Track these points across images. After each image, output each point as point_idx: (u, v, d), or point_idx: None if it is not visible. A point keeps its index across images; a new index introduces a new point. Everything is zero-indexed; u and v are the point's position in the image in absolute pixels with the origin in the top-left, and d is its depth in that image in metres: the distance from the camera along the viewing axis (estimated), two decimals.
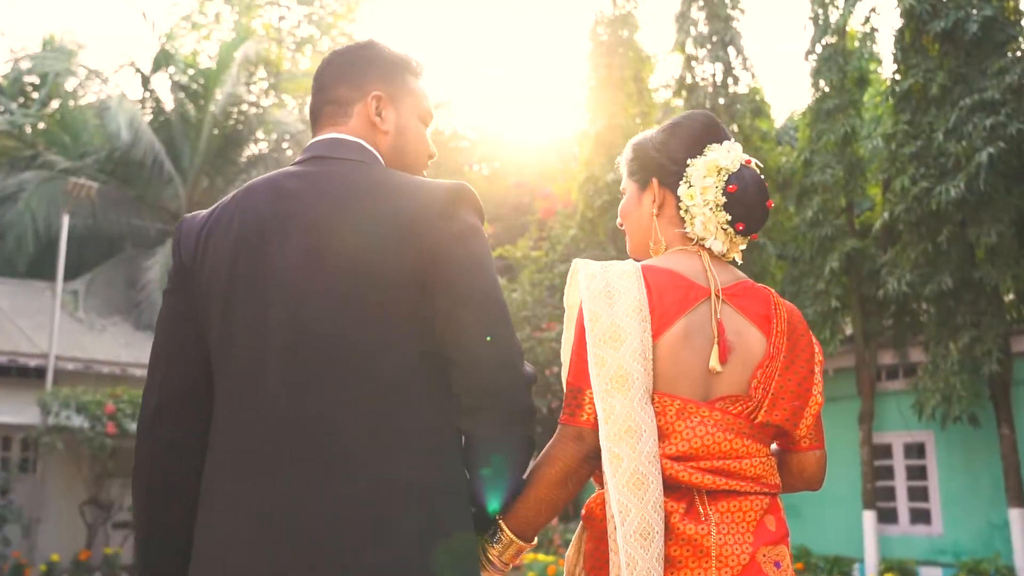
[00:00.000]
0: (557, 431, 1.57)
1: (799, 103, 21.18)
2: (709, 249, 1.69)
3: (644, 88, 12.67)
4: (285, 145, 19.02)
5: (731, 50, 11.40)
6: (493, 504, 1.57)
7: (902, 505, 10.33)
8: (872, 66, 10.57)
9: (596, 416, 1.52)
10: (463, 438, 1.52)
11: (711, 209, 1.66)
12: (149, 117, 18.27)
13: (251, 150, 17.96)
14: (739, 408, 1.58)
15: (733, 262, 1.76)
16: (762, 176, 1.72)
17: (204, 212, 1.63)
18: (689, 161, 1.70)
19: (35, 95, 19.70)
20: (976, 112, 8.57)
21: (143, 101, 18.59)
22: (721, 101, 11.24)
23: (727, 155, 1.69)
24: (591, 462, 1.55)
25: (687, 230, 1.70)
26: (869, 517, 9.91)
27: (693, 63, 11.42)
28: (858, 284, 10.20)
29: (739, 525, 1.53)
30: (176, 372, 1.57)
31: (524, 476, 1.57)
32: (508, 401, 1.46)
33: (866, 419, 10.14)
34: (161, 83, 20.56)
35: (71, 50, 19.26)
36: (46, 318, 13.55)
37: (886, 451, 10.57)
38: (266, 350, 1.46)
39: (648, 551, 1.44)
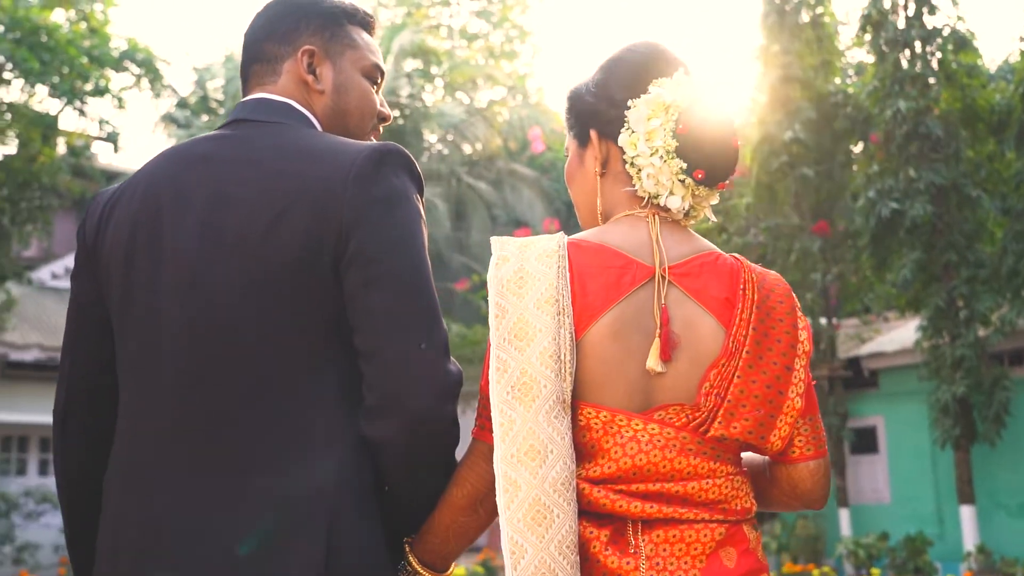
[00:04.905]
0: (468, 446, 1.39)
1: (1011, 41, 18.84)
2: (668, 210, 1.44)
3: (824, 34, 11.41)
4: (451, 137, 18.98)
5: None
6: (394, 525, 1.41)
7: None
8: None
9: None
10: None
11: (661, 157, 1.41)
12: None
13: (416, 144, 17.98)
14: (684, 419, 1.34)
15: (705, 220, 1.52)
16: (725, 110, 1.44)
17: (116, 185, 1.54)
18: (630, 102, 1.45)
19: (221, 111, 20.74)
20: None
21: None
22: (914, 35, 9.88)
23: (676, 88, 1.43)
24: None
25: (636, 187, 1.45)
26: None
27: None
28: None
29: (680, 559, 1.31)
30: (81, 365, 1.49)
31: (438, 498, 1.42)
32: (416, 405, 1.28)
33: None
34: None
35: None
36: None
37: None
38: (159, 342, 1.36)
39: None
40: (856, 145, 11.44)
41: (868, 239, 10.13)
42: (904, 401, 11.69)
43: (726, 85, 12.36)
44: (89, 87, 11.57)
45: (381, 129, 1.63)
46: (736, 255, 1.45)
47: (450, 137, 19.32)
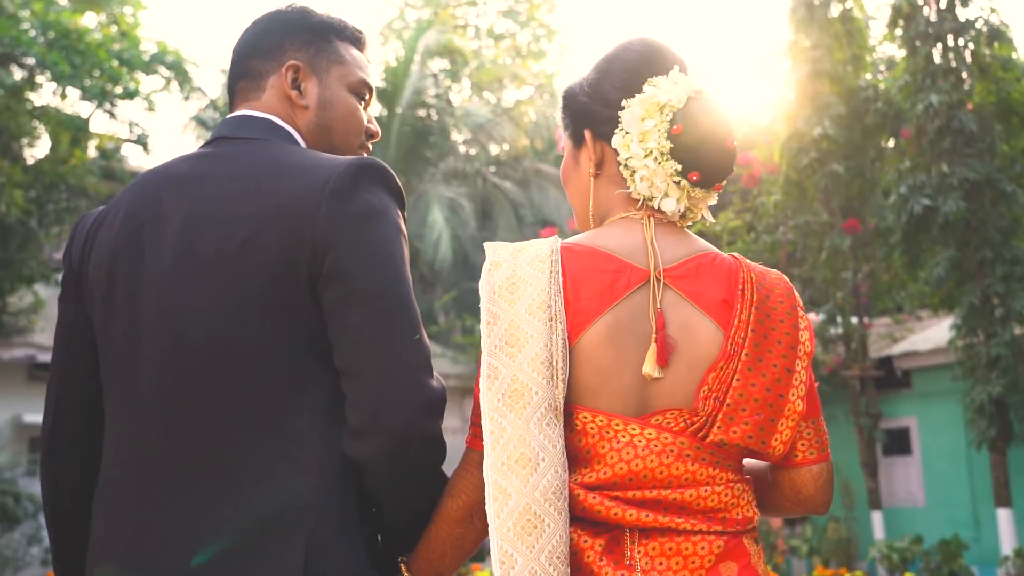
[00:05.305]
0: (462, 455, 1.38)
1: None
2: (662, 212, 1.42)
3: (854, 29, 11.26)
4: (478, 137, 19.03)
5: None
6: (387, 545, 1.40)
7: None
8: None
9: None
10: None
11: (655, 159, 1.39)
12: None
13: (442, 144, 18.00)
14: (681, 424, 1.31)
15: (702, 221, 1.50)
16: (720, 108, 1.42)
17: (101, 208, 1.55)
18: (624, 102, 1.43)
19: None
20: None
21: None
22: (947, 27, 9.73)
23: (671, 88, 1.41)
24: None
25: (630, 190, 1.43)
26: None
27: None
28: None
29: (677, 574, 1.27)
30: (68, 390, 1.51)
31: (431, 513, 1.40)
32: (398, 423, 1.27)
33: None
34: None
35: None
36: None
37: None
38: (139, 363, 1.37)
39: None
40: (887, 140, 11.26)
41: (900, 236, 9.95)
42: (938, 401, 11.50)
43: (736, 81, 12.22)
44: (119, 90, 11.70)
45: (370, 146, 1.62)
46: (735, 254, 1.43)
47: (477, 137, 19.33)
